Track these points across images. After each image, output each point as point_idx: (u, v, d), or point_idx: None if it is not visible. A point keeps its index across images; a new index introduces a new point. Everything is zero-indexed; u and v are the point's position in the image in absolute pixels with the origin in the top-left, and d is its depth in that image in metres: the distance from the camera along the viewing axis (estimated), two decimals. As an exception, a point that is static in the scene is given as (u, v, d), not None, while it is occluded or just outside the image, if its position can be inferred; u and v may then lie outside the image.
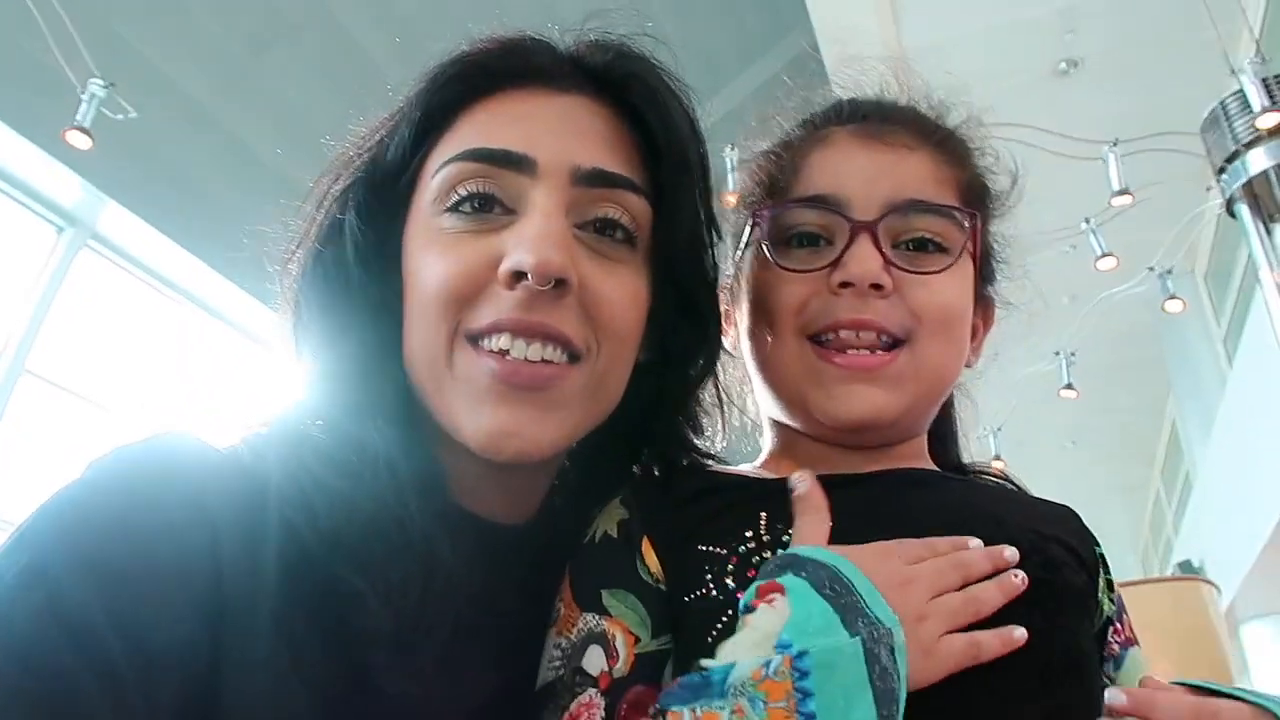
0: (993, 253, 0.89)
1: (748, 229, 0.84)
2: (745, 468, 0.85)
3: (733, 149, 0.94)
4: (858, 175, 0.79)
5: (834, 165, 0.80)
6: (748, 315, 0.83)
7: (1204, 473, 8.41)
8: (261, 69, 5.34)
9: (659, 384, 0.80)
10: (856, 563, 0.63)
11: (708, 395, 0.85)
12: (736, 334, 0.86)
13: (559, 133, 0.72)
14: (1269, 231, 2.58)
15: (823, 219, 0.78)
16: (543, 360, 0.68)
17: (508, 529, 0.76)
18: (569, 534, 0.78)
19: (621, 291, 0.72)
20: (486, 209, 0.70)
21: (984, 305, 0.88)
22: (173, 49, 5.08)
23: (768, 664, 0.56)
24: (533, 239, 0.66)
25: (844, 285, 0.75)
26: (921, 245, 0.78)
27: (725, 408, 0.87)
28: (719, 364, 0.84)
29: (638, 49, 0.77)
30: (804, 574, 0.62)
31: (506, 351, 0.67)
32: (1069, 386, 5.25)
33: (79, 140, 3.84)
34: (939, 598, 0.63)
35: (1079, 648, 0.69)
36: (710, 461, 0.85)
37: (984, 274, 0.86)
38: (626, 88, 0.76)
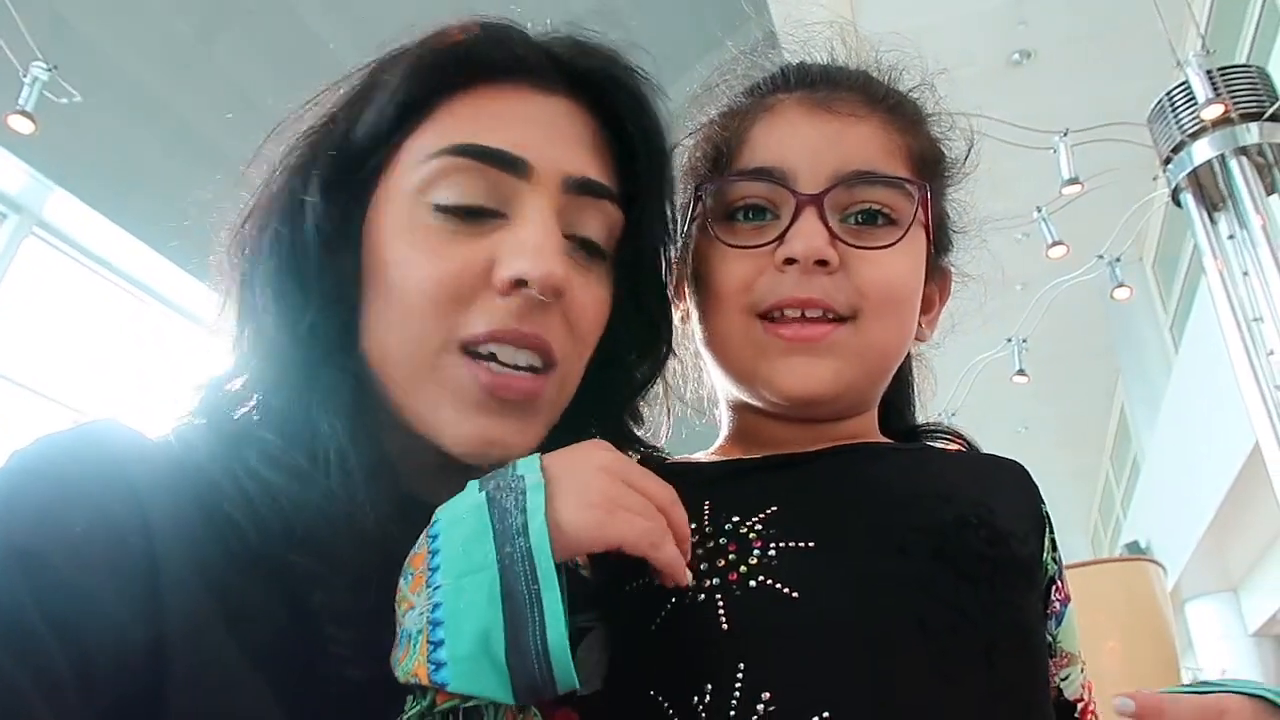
0: (948, 221, 0.86)
1: (692, 202, 0.82)
2: (699, 455, 0.84)
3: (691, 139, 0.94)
4: (803, 146, 0.76)
5: (779, 136, 0.78)
6: (695, 292, 0.81)
7: (1151, 457, 8.61)
8: (212, 53, 5.24)
9: (609, 382, 0.79)
10: (552, 453, 0.64)
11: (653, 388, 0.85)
12: (686, 309, 0.84)
13: (550, 137, 0.71)
14: (1213, 221, 2.64)
15: (768, 192, 0.76)
16: (529, 367, 0.68)
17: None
18: None
19: (597, 302, 0.73)
20: (477, 210, 0.68)
21: (940, 276, 0.86)
22: (119, 31, 4.95)
23: (418, 543, 0.60)
24: (535, 249, 0.66)
25: (789, 262, 0.73)
26: (870, 217, 0.75)
27: (670, 401, 0.87)
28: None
29: (621, 53, 0.76)
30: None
31: (494, 356, 0.67)
32: (1021, 373, 5.34)
33: (21, 125, 3.73)
34: (625, 488, 0.62)
35: (1024, 622, 0.68)
36: (656, 453, 0.84)
37: (939, 244, 0.84)
38: (609, 93, 0.75)
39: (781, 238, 0.74)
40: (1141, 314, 8.28)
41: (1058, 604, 0.78)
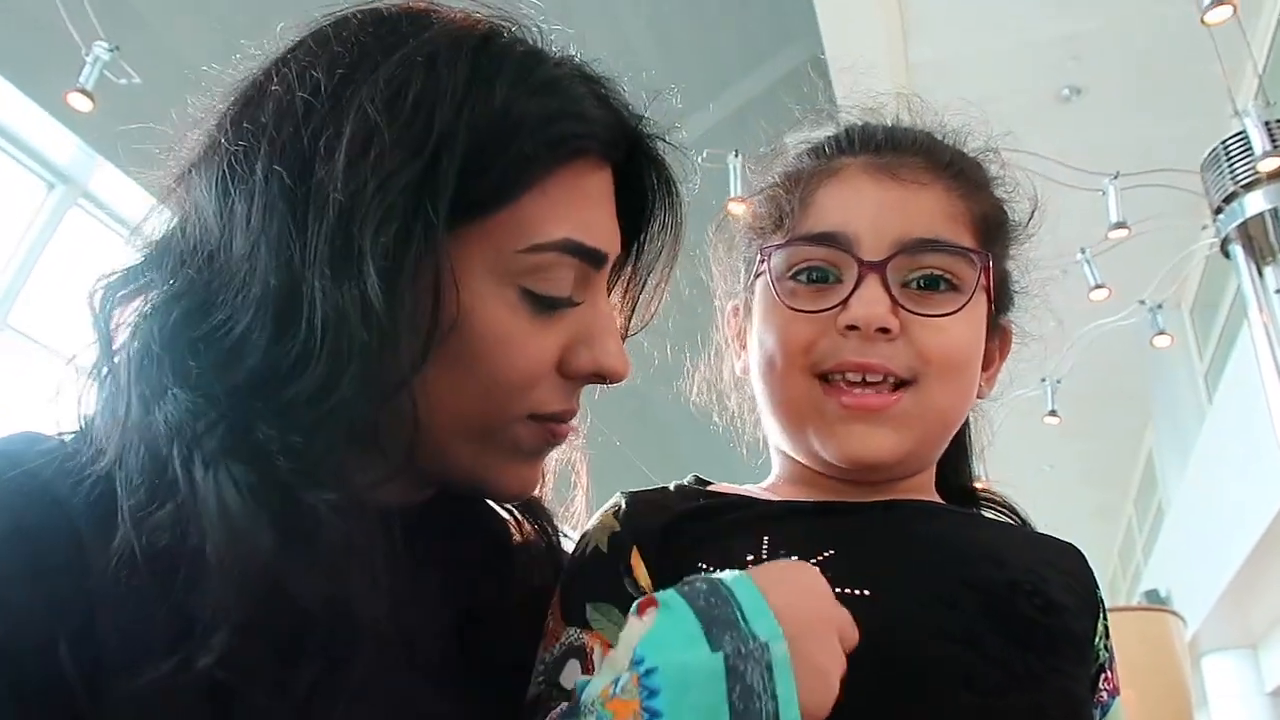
0: (1009, 280, 0.86)
1: (757, 262, 0.83)
2: (751, 488, 0.84)
3: (736, 156, 0.94)
4: (867, 213, 0.76)
5: (843, 200, 0.78)
6: (757, 349, 0.81)
7: (1177, 504, 8.48)
8: (267, 40, 5.31)
9: None
10: (760, 579, 0.57)
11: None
12: (746, 360, 0.85)
13: (614, 220, 0.72)
14: (1260, 273, 2.60)
15: (831, 256, 0.76)
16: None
17: (401, 510, 0.69)
18: (478, 514, 0.79)
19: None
20: (566, 302, 0.68)
21: (1000, 334, 0.86)
22: (179, 16, 5.03)
23: (616, 681, 0.52)
24: (609, 349, 0.70)
25: (850, 328, 0.74)
26: (933, 283, 0.76)
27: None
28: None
29: (647, 114, 0.75)
30: (686, 588, 0.57)
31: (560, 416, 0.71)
32: (1053, 413, 5.28)
33: (80, 102, 3.79)
34: (834, 637, 0.57)
35: (1075, 692, 0.68)
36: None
37: (999, 303, 0.84)
38: (641, 167, 0.76)
39: (844, 303, 0.74)
40: (1176, 360, 8.16)
41: (1105, 694, 0.77)
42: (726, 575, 0.58)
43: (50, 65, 4.12)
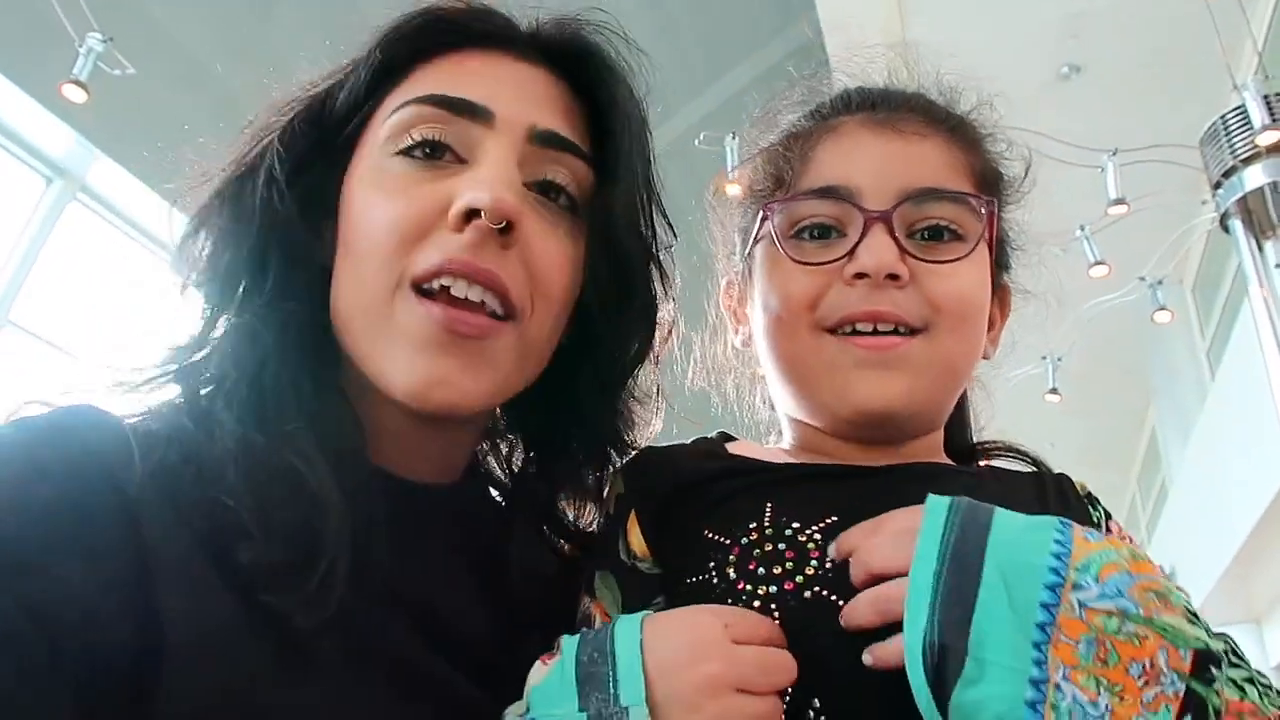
0: (1007, 240, 0.87)
1: (757, 223, 0.83)
2: (770, 450, 0.83)
3: (734, 138, 0.94)
4: (870, 164, 0.77)
5: (845, 155, 0.79)
6: (761, 312, 0.81)
7: (1180, 482, 8.49)
8: (265, 30, 5.28)
9: (592, 366, 0.79)
10: (649, 633, 0.59)
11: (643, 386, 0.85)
12: (748, 332, 0.85)
13: (518, 94, 0.73)
14: (1260, 248, 2.60)
15: (835, 210, 0.76)
16: (482, 303, 0.68)
17: (431, 488, 0.75)
18: (509, 502, 0.81)
19: (559, 251, 0.73)
20: (438, 155, 0.70)
21: (1000, 294, 0.87)
22: (174, 5, 5.01)
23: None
24: (488, 180, 0.67)
25: (859, 276, 0.73)
26: (937, 234, 0.76)
27: (661, 401, 0.87)
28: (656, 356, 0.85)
29: (595, 30, 0.78)
30: (581, 638, 0.61)
31: (448, 289, 0.66)
32: (1054, 391, 5.29)
33: (75, 94, 3.80)
34: (728, 696, 0.57)
35: None
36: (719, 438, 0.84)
37: (999, 262, 0.85)
38: (582, 64, 0.77)
39: (851, 253, 0.74)
40: (1178, 337, 8.15)
41: None
42: (620, 626, 0.60)
43: (44, 58, 4.11)
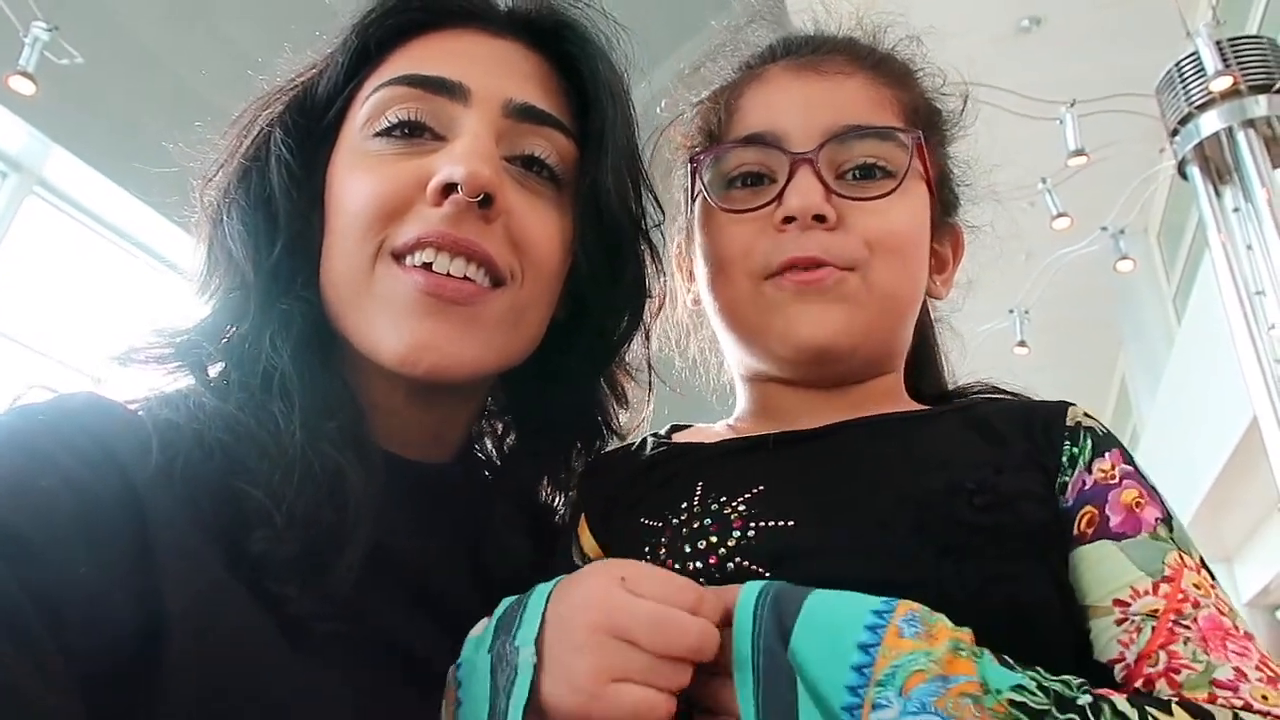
0: (951, 177, 0.85)
1: (690, 178, 0.82)
2: (713, 428, 0.83)
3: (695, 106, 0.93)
4: (793, 107, 0.77)
5: (768, 100, 0.78)
6: (702, 265, 0.81)
7: (1150, 428, 8.62)
8: (214, 14, 5.18)
9: (585, 341, 0.80)
10: (559, 586, 0.60)
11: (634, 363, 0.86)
12: (697, 290, 0.84)
13: (493, 69, 0.73)
14: (1218, 194, 2.63)
15: (762, 156, 0.76)
16: (465, 277, 0.68)
17: (425, 466, 0.76)
18: (496, 482, 0.81)
19: (545, 223, 0.73)
20: (417, 134, 0.71)
21: (951, 234, 0.86)
22: (119, -10, 4.90)
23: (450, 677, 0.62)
24: (463, 154, 0.68)
25: (787, 220, 0.73)
26: (869, 172, 0.75)
27: (652, 377, 0.88)
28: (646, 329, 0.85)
29: (571, 3, 0.79)
30: (515, 598, 0.63)
31: (430, 265, 0.67)
32: (1022, 343, 5.34)
33: (23, 85, 3.70)
34: (609, 644, 0.56)
35: (1021, 599, 0.61)
36: (616, 439, 0.85)
37: (944, 200, 0.83)
38: (560, 37, 0.77)
39: (779, 197, 0.74)
40: (1144, 285, 8.24)
41: (1089, 531, 0.66)
42: (542, 584, 0.62)
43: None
